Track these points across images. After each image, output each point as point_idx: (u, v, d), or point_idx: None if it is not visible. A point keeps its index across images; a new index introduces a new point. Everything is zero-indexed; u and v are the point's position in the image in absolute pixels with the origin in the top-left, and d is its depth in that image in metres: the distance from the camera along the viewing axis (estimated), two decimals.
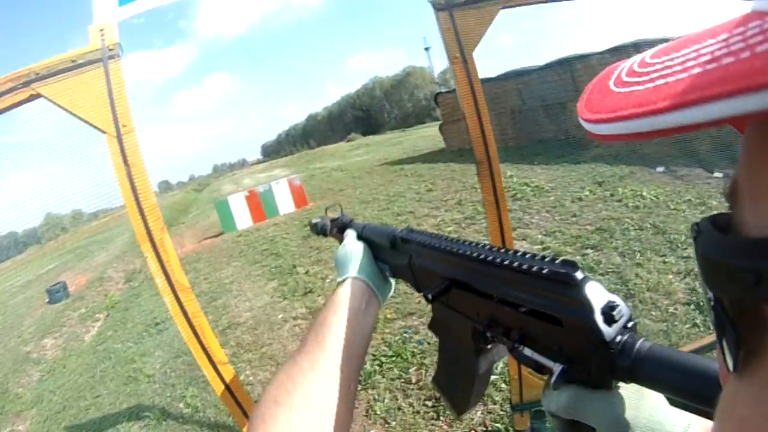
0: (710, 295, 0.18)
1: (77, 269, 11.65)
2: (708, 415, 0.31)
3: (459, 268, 0.57)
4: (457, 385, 0.64)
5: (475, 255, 0.53)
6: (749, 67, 0.13)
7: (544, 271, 0.42)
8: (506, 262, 0.47)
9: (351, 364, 0.61)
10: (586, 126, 0.20)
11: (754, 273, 0.15)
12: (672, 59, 0.18)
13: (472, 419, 2.57)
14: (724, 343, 0.18)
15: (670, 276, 3.61)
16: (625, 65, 0.22)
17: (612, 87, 0.20)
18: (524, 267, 0.44)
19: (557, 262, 0.42)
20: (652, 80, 0.18)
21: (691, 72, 0.16)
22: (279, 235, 8.85)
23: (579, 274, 0.39)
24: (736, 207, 0.17)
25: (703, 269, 0.18)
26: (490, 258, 0.50)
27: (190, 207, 24.25)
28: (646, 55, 0.21)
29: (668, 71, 0.18)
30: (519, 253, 0.47)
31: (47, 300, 8.95)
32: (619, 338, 0.36)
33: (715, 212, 0.20)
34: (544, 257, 0.44)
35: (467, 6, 1.60)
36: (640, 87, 0.18)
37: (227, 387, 1.69)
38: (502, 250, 0.50)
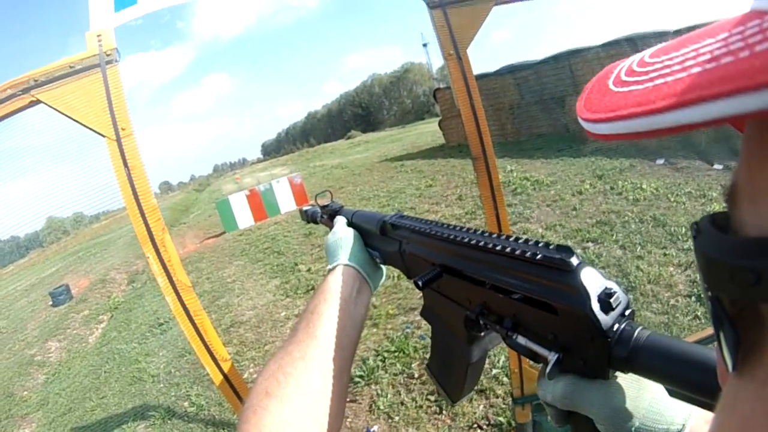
0: (710, 294, 0.18)
1: (80, 272, 11.65)
2: (708, 407, 0.30)
3: (450, 254, 0.55)
4: (451, 372, 0.63)
5: (466, 240, 0.51)
6: (748, 67, 0.13)
7: (538, 257, 0.40)
8: (498, 248, 0.45)
9: (342, 354, 0.60)
10: (586, 125, 0.20)
11: (753, 272, 0.15)
12: (671, 58, 0.18)
13: (475, 413, 2.58)
14: (723, 342, 0.18)
15: (671, 268, 3.61)
16: (624, 64, 0.22)
17: (611, 86, 0.20)
18: (517, 252, 0.43)
19: (552, 247, 0.40)
20: (651, 80, 0.18)
21: (691, 71, 0.16)
22: (280, 234, 8.84)
23: (574, 260, 0.38)
24: (735, 206, 0.17)
25: (703, 268, 0.18)
26: (481, 243, 0.48)
27: (191, 207, 24.23)
28: (645, 54, 0.21)
29: (667, 71, 0.17)
30: (512, 239, 0.46)
31: (51, 303, 8.94)
32: (616, 327, 0.35)
33: (714, 210, 0.19)
34: (537, 242, 0.42)
35: (461, 3, 1.60)
36: (640, 86, 0.18)
37: (230, 384, 1.69)
38: (495, 236, 0.48)
